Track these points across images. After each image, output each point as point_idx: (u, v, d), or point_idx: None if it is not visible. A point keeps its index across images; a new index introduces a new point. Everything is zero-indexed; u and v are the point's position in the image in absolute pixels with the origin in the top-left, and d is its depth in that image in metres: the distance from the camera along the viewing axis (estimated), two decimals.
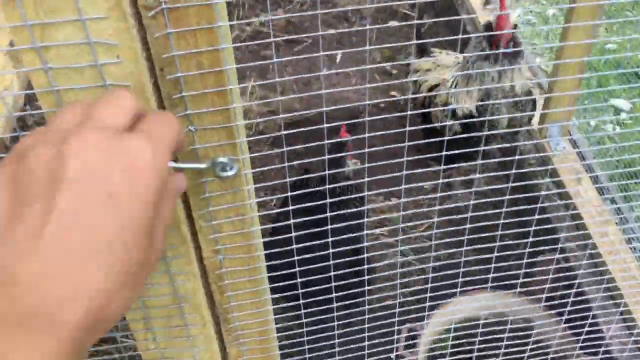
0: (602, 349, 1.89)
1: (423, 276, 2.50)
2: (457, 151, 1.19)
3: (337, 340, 1.37)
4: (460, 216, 1.26)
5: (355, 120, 3.11)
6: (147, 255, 0.57)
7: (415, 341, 2.10)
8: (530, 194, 2.34)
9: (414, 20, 3.86)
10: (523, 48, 2.14)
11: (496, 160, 2.55)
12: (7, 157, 0.57)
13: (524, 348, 1.70)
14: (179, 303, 0.84)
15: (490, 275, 1.37)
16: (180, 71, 0.68)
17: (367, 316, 1.32)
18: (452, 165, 2.66)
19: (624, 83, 3.16)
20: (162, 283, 0.82)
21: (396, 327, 1.48)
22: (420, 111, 2.60)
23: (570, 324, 2.00)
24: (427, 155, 2.65)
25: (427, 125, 2.43)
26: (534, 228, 1.28)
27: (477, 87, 2.21)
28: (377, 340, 1.52)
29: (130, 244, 0.54)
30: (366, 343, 1.40)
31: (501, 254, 1.33)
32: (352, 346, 1.45)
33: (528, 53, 2.76)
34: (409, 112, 1.07)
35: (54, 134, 0.56)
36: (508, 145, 2.34)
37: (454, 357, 2.04)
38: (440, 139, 2.32)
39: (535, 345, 1.75)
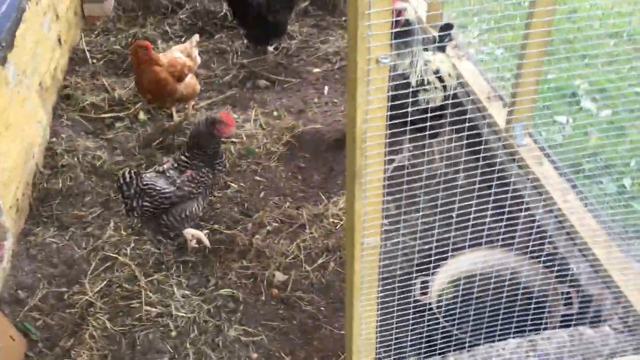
0: (569, 278, 2.46)
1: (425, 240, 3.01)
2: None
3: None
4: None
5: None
6: None
7: (427, 289, 2.59)
8: (501, 174, 2.94)
9: None
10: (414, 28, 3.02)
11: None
12: None
13: (514, 292, 2.26)
14: None
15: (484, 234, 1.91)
16: None
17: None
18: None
19: (564, 102, 3.88)
20: None
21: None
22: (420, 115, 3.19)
23: (546, 264, 2.56)
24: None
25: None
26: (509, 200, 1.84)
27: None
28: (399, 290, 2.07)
29: None
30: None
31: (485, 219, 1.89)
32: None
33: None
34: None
35: None
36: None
37: (457, 300, 2.56)
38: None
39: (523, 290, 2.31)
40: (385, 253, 2.18)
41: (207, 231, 3.21)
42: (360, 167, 1.37)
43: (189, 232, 3.08)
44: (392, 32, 2.89)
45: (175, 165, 3.00)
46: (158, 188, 2.94)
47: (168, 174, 2.97)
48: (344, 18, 5.09)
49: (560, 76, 4.26)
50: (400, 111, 2.32)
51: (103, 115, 4.07)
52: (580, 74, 4.34)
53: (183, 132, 3.84)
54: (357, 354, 1.73)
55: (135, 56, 3.64)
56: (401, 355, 2.23)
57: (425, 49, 3.26)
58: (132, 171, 2.92)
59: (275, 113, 4.05)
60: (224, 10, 5.05)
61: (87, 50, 4.66)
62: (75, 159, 3.66)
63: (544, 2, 2.63)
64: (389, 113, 2.86)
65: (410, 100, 2.94)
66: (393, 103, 3.07)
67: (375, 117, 1.29)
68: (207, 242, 3.10)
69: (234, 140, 3.77)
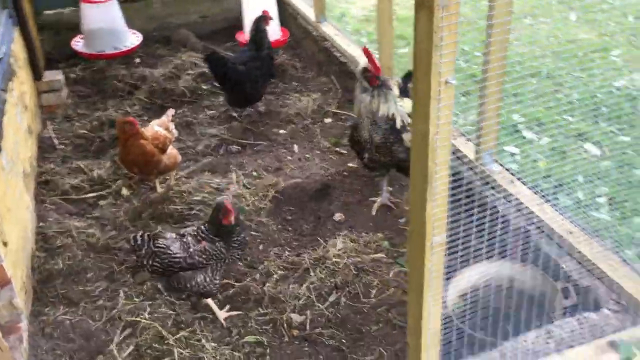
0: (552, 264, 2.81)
1: None
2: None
3: None
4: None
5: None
6: None
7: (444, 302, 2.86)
8: (481, 199, 3.30)
9: (342, 115, 4.92)
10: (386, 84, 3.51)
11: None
12: None
13: (514, 299, 2.58)
14: None
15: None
16: None
17: None
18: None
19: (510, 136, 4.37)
20: None
21: None
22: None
23: (535, 264, 2.91)
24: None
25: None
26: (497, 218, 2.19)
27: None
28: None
29: None
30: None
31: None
32: None
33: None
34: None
35: None
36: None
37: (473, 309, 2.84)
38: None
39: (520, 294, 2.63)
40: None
41: (228, 307, 3.29)
42: (432, 172, 1.66)
43: (208, 302, 3.23)
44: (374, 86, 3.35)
45: (195, 233, 3.14)
46: (169, 252, 3.08)
47: (185, 240, 3.12)
48: (294, 83, 5.50)
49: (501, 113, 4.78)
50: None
51: (85, 196, 4.16)
52: (515, 109, 4.90)
53: (171, 201, 4.00)
54: (426, 348, 1.96)
55: (122, 131, 3.82)
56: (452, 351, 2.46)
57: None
58: (146, 234, 3.08)
59: (254, 173, 4.29)
60: (180, 87, 5.33)
61: (55, 138, 4.76)
62: (70, 239, 3.72)
63: (499, 47, 3.08)
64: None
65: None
66: (381, 145, 3.44)
67: (444, 130, 1.60)
68: (220, 316, 3.20)
69: None
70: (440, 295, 1.89)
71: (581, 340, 2.55)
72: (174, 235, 3.15)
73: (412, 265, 1.86)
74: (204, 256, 3.09)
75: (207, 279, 3.13)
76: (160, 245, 3.08)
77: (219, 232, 3.10)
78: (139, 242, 3.09)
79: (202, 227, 3.15)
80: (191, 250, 3.08)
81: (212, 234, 3.11)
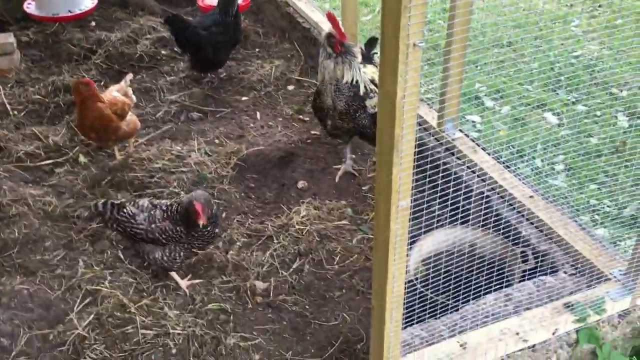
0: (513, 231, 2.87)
1: None
2: None
3: None
4: None
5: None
6: None
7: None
8: (445, 166, 3.34)
9: (305, 82, 4.88)
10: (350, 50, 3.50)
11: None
12: None
13: (475, 263, 2.62)
14: None
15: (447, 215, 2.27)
16: None
17: None
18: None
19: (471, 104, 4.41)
20: None
21: None
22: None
23: (496, 229, 2.97)
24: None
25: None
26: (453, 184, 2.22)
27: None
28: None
29: None
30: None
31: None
32: None
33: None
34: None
35: None
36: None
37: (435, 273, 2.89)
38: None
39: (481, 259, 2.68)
40: None
41: (190, 275, 3.27)
42: (398, 136, 1.65)
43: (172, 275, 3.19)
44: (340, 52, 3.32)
45: (165, 209, 3.05)
46: (133, 221, 3.02)
47: (153, 212, 3.04)
48: (256, 49, 5.40)
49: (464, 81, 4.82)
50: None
51: (40, 163, 4.04)
52: (477, 78, 4.94)
53: (131, 168, 3.91)
54: (390, 310, 1.99)
55: (78, 93, 3.69)
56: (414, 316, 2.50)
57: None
58: (110, 202, 3.03)
59: (216, 141, 4.23)
60: (138, 52, 5.19)
61: (7, 103, 4.59)
62: (25, 207, 3.61)
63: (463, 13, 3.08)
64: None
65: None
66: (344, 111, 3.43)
67: (411, 93, 1.59)
68: (182, 284, 3.17)
69: (183, 169, 3.91)
70: (404, 259, 1.91)
71: (538, 303, 2.62)
72: (146, 203, 3.09)
73: (378, 229, 1.87)
74: (163, 235, 3.02)
75: (165, 257, 3.08)
76: (125, 214, 3.03)
77: (187, 226, 2.99)
78: (100, 209, 3.04)
79: (175, 206, 3.05)
80: (153, 226, 3.02)
81: (181, 220, 3.00)
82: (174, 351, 2.85)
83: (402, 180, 1.73)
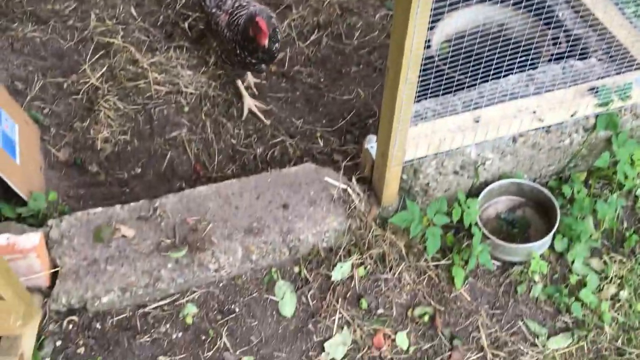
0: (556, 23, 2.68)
1: None
2: None
3: None
4: None
5: None
6: None
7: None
8: None
9: None
10: None
11: None
12: None
13: (500, 44, 2.41)
14: None
15: None
16: None
17: None
18: None
19: None
20: None
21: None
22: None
23: (533, 13, 2.76)
24: None
25: None
26: None
27: None
28: None
29: None
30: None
31: None
32: None
33: None
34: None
35: None
36: None
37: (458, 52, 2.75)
38: None
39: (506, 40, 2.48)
40: None
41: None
42: None
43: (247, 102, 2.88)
44: None
45: (234, 2, 2.70)
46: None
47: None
48: None
49: None
50: None
51: None
52: None
53: None
54: (405, 69, 1.90)
55: None
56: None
57: None
58: None
59: None
60: None
61: None
62: None
63: None
64: None
65: None
66: None
67: None
68: (246, 101, 2.89)
69: None
70: (427, 12, 1.77)
71: (562, 86, 2.51)
72: None
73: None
74: (213, 23, 2.74)
75: (220, 49, 2.79)
76: None
77: (245, 42, 2.60)
78: None
79: (239, 11, 2.65)
80: (214, 10, 2.74)
81: (240, 32, 2.60)
82: (186, 109, 2.85)
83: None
